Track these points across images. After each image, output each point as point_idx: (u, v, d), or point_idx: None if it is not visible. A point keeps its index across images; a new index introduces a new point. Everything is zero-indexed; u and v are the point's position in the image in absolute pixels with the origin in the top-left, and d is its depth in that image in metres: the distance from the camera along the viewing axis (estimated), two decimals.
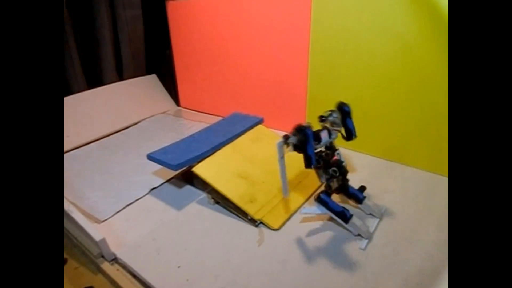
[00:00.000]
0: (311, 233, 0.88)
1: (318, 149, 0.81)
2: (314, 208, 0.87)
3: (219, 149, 1.09)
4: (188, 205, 1.03)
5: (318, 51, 1.25)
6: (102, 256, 0.85)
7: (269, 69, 1.45)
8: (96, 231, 0.84)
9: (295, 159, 1.14)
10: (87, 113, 1.64)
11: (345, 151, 1.30)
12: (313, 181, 1.09)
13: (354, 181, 1.09)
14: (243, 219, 0.94)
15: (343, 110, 0.85)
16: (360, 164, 1.20)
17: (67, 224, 0.95)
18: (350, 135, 0.86)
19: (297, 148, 0.78)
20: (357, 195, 0.90)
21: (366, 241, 0.82)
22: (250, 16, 1.42)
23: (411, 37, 1.01)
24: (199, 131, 1.26)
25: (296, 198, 1.00)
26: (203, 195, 1.06)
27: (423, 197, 0.99)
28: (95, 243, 0.83)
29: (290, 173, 1.08)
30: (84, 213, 0.99)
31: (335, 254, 0.80)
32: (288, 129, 1.56)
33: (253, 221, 0.91)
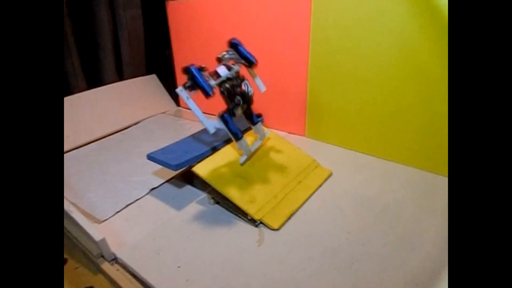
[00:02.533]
0: (311, 233, 0.88)
1: (218, 81, 0.92)
2: (216, 122, 0.96)
3: (219, 149, 1.09)
4: (188, 205, 1.03)
5: (318, 51, 1.25)
6: (102, 256, 0.85)
7: (269, 69, 1.45)
8: (96, 231, 0.84)
9: (295, 159, 1.14)
10: (87, 113, 1.64)
11: (346, 151, 1.31)
12: (313, 181, 1.09)
13: (354, 180, 1.10)
14: (243, 219, 0.94)
15: (233, 44, 0.97)
16: (360, 164, 1.20)
17: (67, 224, 0.95)
18: (249, 61, 0.98)
19: (194, 86, 0.88)
20: (253, 118, 1.05)
21: (245, 156, 1.04)
22: (250, 16, 1.42)
23: (412, 37, 1.01)
24: (199, 131, 1.25)
25: (296, 198, 1.00)
26: (203, 195, 1.06)
27: (423, 197, 0.99)
28: (95, 243, 0.83)
29: (290, 173, 1.08)
30: (84, 213, 0.99)
31: (335, 254, 0.80)
32: (287, 129, 1.56)
33: (253, 221, 0.91)
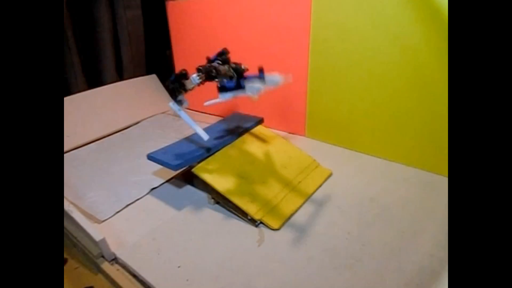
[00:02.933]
0: (311, 233, 0.88)
1: (197, 67, 1.00)
2: (214, 100, 1.02)
3: (219, 149, 1.09)
4: (188, 205, 1.03)
5: (318, 52, 1.25)
6: (102, 256, 0.85)
7: (269, 69, 1.45)
8: (96, 231, 0.84)
9: (295, 159, 1.14)
10: (87, 113, 1.64)
11: (346, 151, 1.31)
12: (313, 181, 1.09)
13: (354, 180, 1.10)
14: (243, 219, 0.94)
15: (208, 60, 1.02)
16: (360, 164, 1.20)
17: (67, 224, 0.95)
18: (221, 53, 1.01)
19: (179, 86, 1.01)
20: (259, 75, 1.01)
21: (257, 91, 0.97)
22: (250, 16, 1.42)
23: (412, 37, 1.01)
24: None
25: (296, 198, 1.00)
26: (203, 195, 1.06)
27: (423, 197, 0.99)
28: (95, 243, 0.83)
29: (290, 173, 1.08)
30: (84, 213, 0.99)
31: (335, 254, 0.80)
32: (287, 129, 1.55)
33: (253, 221, 0.91)
